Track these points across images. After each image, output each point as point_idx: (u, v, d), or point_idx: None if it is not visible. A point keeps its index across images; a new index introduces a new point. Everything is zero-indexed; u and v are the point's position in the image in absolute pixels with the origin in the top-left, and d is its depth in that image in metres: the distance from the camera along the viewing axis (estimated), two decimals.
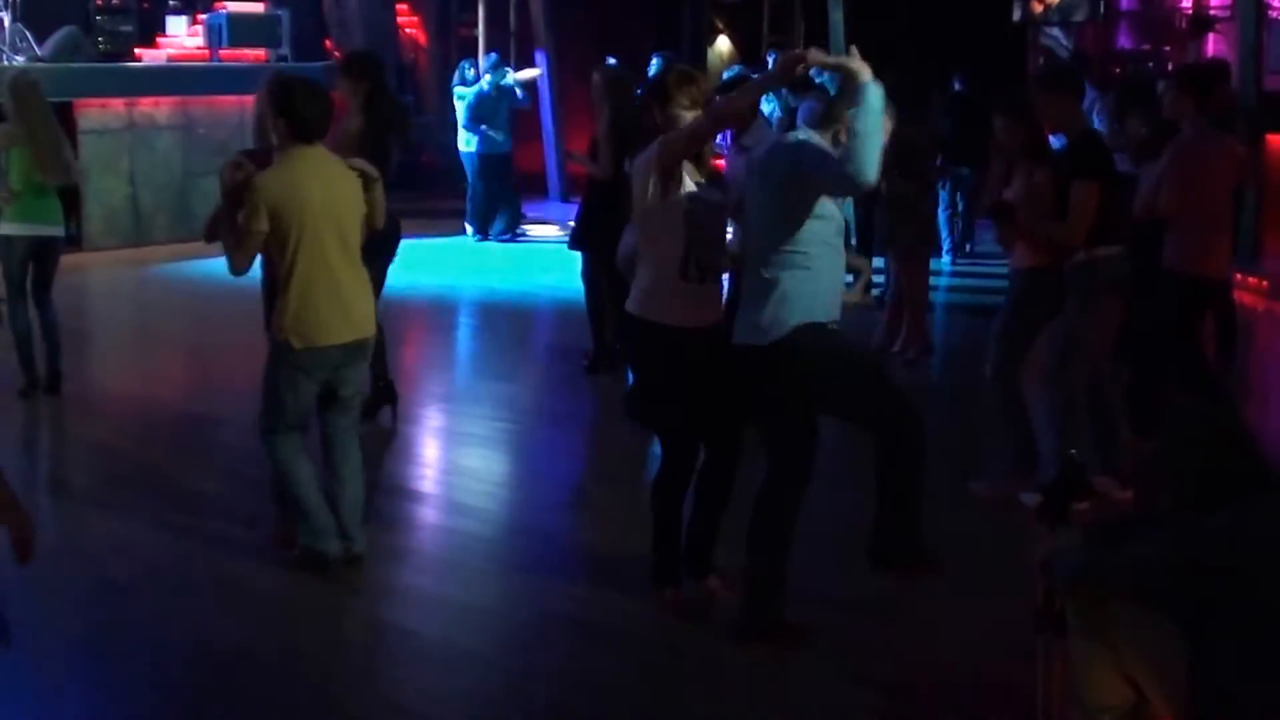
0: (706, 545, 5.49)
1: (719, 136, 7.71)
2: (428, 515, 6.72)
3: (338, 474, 5.88)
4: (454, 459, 7.69)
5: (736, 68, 15.01)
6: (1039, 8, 16.43)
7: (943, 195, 12.96)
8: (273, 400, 5.73)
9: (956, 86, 13.20)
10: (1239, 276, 10.27)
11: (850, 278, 9.24)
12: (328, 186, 5.61)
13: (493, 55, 15.22)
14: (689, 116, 5.06)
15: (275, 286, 5.72)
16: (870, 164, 4.68)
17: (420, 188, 16.31)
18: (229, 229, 5.64)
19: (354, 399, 5.92)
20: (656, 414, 5.39)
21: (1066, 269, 6.50)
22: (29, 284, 8.36)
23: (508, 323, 11.20)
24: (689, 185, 5.08)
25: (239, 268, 5.64)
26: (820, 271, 4.97)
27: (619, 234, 7.29)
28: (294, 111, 5.56)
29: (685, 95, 5.09)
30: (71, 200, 9.33)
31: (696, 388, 5.20)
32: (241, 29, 14.86)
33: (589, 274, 8.95)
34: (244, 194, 5.56)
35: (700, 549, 5.48)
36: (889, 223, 9.59)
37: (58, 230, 8.40)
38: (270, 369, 5.74)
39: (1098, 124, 10.32)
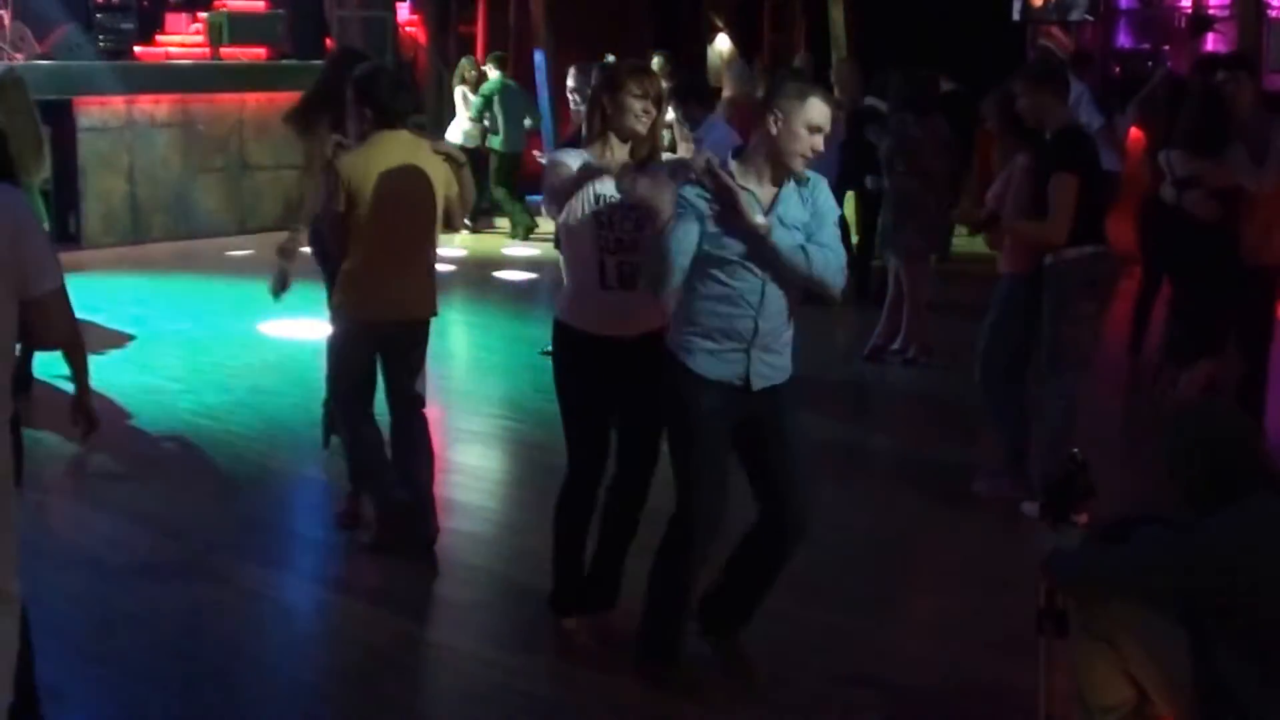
0: (611, 575, 5.21)
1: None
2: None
3: (408, 462, 5.99)
4: (453, 457, 7.67)
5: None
6: (1038, 1, 16.39)
7: None
8: (330, 366, 5.98)
9: (943, 86, 13.09)
10: None
11: None
12: (404, 169, 5.71)
13: (497, 54, 15.36)
14: (638, 106, 4.86)
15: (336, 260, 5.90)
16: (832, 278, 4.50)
17: None
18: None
19: (413, 388, 6.02)
20: (567, 423, 5.10)
21: (1044, 272, 6.48)
22: None
23: (507, 320, 11.18)
24: (602, 185, 4.84)
25: (333, 251, 5.91)
26: (703, 303, 4.58)
27: None
28: (378, 100, 5.73)
29: (636, 84, 4.88)
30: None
31: (612, 401, 5.01)
32: (242, 27, 14.84)
33: None
34: (328, 176, 5.78)
35: (604, 578, 5.22)
36: (891, 221, 9.57)
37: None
38: (331, 336, 5.99)
39: (1084, 118, 10.28)
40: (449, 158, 5.92)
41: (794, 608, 5.36)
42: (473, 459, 7.66)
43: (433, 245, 5.97)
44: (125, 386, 8.66)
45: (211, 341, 10.09)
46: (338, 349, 5.94)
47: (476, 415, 8.43)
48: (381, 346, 5.90)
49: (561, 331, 5.03)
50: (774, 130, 4.49)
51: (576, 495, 5.16)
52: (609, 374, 4.94)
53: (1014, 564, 5.97)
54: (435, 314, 6.01)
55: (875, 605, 5.50)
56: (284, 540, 6.25)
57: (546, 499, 6.86)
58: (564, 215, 4.87)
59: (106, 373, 8.72)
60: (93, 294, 11.03)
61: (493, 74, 14.94)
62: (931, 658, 5.17)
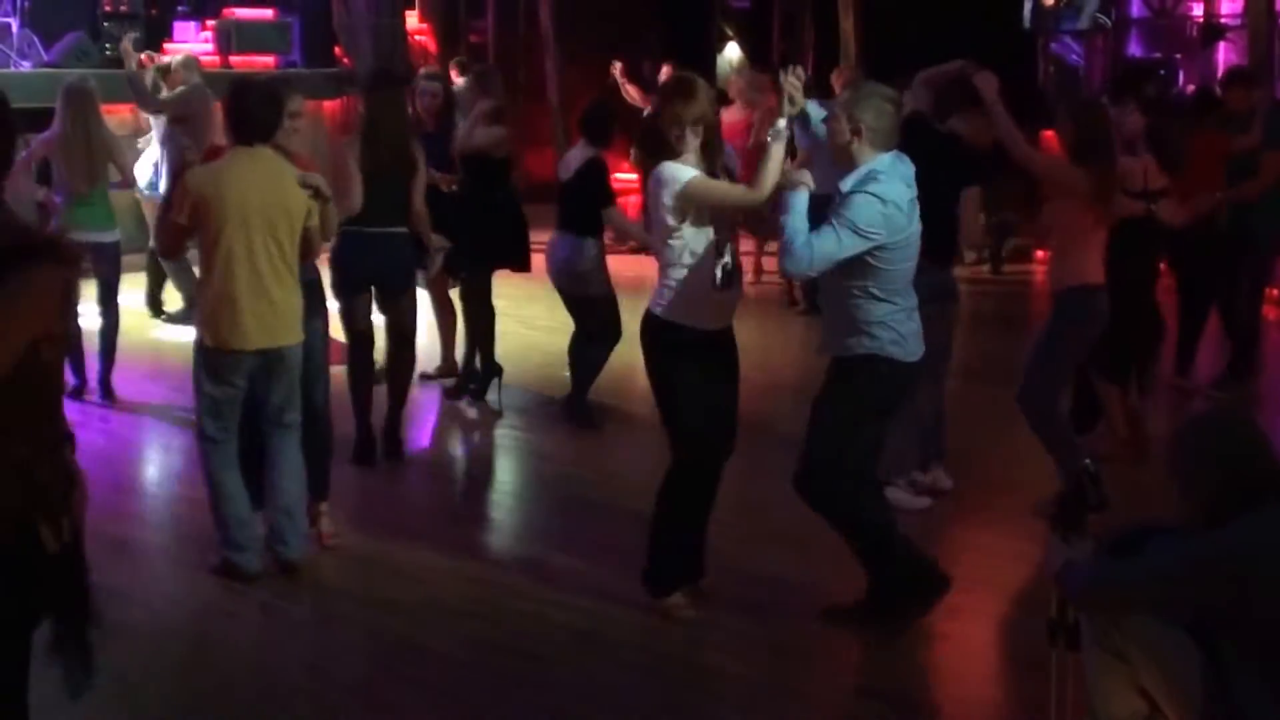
0: (701, 546, 5.54)
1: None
2: (431, 523, 6.67)
3: (273, 483, 5.80)
4: (459, 466, 7.63)
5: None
6: (1050, 1, 16.30)
7: None
8: (196, 398, 5.75)
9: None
10: None
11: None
12: (260, 189, 5.54)
13: (459, 59, 15.16)
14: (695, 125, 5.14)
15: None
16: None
17: None
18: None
19: (284, 413, 5.79)
20: (694, 423, 5.28)
21: None
22: (95, 290, 8.48)
23: (514, 327, 11.14)
24: None
25: (161, 251, 5.69)
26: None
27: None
28: (241, 114, 5.57)
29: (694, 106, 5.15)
30: None
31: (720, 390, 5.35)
32: (251, 35, 14.83)
33: (477, 292, 8.48)
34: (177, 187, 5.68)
35: (697, 550, 5.53)
36: None
37: (105, 235, 8.43)
38: (194, 363, 5.74)
39: None
40: (315, 191, 5.66)
41: (798, 616, 5.32)
42: (479, 467, 7.63)
43: (289, 270, 5.68)
44: (131, 394, 8.64)
45: None
46: (199, 379, 5.72)
47: (479, 423, 8.38)
48: (241, 373, 5.67)
49: (674, 330, 5.20)
50: None
51: (703, 482, 5.38)
52: (715, 365, 5.30)
53: (1025, 576, 5.93)
54: (291, 342, 5.71)
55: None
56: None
57: (553, 509, 6.86)
58: (687, 222, 5.09)
59: (112, 379, 8.71)
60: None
61: (457, 81, 14.63)
62: (941, 668, 5.13)
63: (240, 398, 5.72)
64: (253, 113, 5.57)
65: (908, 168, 5.02)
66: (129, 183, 8.97)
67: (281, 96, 5.75)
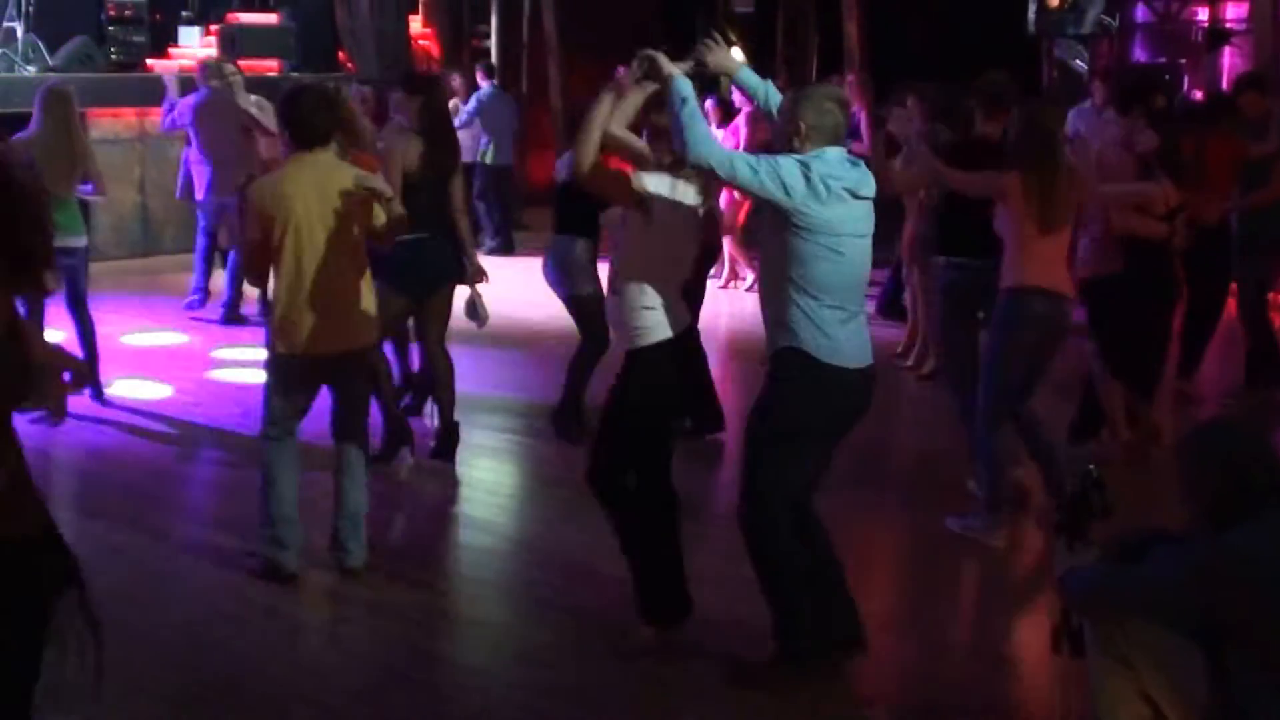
0: (674, 581, 5.30)
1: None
2: (437, 529, 6.66)
3: (339, 486, 5.87)
4: (464, 472, 7.61)
5: None
6: (1054, 2, 16.25)
7: None
8: (264, 401, 5.80)
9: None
10: (1273, 296, 10.09)
11: None
12: (322, 193, 5.56)
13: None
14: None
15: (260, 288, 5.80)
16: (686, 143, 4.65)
17: None
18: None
19: (355, 415, 5.83)
20: (652, 437, 5.19)
21: None
22: (63, 297, 8.38)
23: (519, 334, 11.13)
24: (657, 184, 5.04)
25: (246, 273, 5.70)
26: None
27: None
28: (296, 120, 5.59)
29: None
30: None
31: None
32: (254, 40, 14.84)
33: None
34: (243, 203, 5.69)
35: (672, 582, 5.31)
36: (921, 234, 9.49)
37: (76, 240, 8.39)
38: (267, 370, 5.81)
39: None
40: (373, 192, 5.65)
41: None
42: (483, 473, 7.62)
43: (357, 273, 5.71)
44: (135, 398, 8.64)
45: (220, 354, 10.06)
46: (271, 385, 5.77)
47: (488, 430, 8.37)
48: (315, 380, 5.71)
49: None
50: None
51: (650, 505, 5.24)
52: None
53: (1029, 582, 5.91)
54: (367, 344, 5.79)
55: (887, 622, 5.44)
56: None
57: (558, 514, 6.85)
58: None
59: (116, 385, 8.71)
60: (103, 306, 11.01)
61: (484, 84, 14.66)
62: (945, 676, 5.11)
63: (308, 405, 5.78)
64: (308, 119, 5.58)
65: (861, 173, 4.75)
66: (102, 191, 8.94)
67: (335, 99, 5.77)
